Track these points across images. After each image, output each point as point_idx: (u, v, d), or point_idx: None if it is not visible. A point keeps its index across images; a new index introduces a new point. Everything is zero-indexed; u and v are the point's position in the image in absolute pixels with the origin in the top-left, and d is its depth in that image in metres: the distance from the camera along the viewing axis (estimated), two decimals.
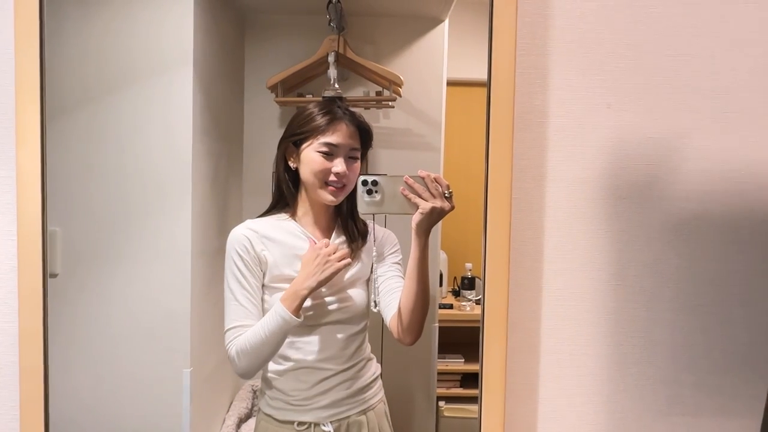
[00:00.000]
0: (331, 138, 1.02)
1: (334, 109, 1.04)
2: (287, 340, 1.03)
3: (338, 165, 1.01)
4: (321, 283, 0.99)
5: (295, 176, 1.06)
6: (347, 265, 1.01)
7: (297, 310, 0.99)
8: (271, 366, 1.05)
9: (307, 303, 1.01)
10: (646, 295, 0.82)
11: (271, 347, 1.01)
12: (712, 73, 0.81)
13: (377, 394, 1.09)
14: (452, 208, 0.93)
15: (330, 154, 1.02)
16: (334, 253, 1.00)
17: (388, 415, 1.11)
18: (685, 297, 0.83)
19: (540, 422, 0.83)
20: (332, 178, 1.02)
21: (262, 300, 1.03)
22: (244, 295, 1.01)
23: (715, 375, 0.83)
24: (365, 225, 1.08)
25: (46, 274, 0.79)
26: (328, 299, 1.03)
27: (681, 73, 0.81)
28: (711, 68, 0.81)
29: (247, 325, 1.00)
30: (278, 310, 0.98)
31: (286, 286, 1.01)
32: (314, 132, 1.02)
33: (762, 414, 0.64)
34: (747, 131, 0.82)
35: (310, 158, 1.02)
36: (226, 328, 1.01)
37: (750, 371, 0.83)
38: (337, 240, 1.06)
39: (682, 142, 0.81)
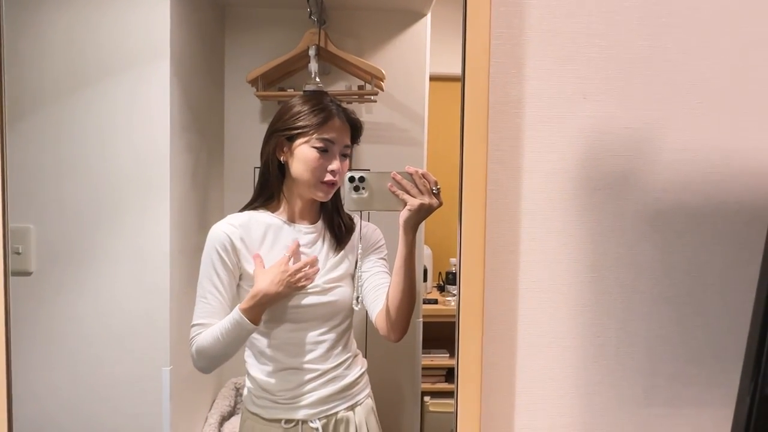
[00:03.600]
0: (328, 134, 1.00)
1: (329, 105, 1.02)
2: (272, 342, 1.02)
3: (335, 162, 1.00)
4: (281, 296, 0.99)
5: (282, 170, 1.04)
6: (309, 283, 1.01)
7: (256, 318, 0.98)
8: (257, 366, 1.04)
9: (294, 302, 1.00)
10: (622, 287, 0.82)
11: (227, 351, 1.00)
12: (687, 64, 0.81)
13: (364, 390, 1.08)
14: (440, 204, 0.92)
15: (326, 150, 1.01)
16: (303, 268, 0.99)
17: (375, 410, 1.10)
18: (661, 288, 0.83)
19: (517, 415, 0.82)
20: (328, 176, 1.01)
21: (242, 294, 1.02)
22: (213, 294, 1.00)
23: (692, 365, 0.84)
24: (351, 219, 1.07)
25: (7, 273, 0.77)
26: (312, 298, 1.02)
27: (657, 64, 0.81)
28: (687, 58, 0.81)
29: (209, 324, 1.00)
30: (236, 317, 0.97)
31: None
32: (310, 128, 1.00)
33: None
34: (722, 121, 0.82)
35: (304, 154, 1.00)
36: (191, 324, 1.01)
37: (726, 361, 0.83)
38: (316, 234, 1.05)
39: (658, 132, 0.81)
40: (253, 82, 1.14)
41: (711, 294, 0.83)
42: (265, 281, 0.98)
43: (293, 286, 0.99)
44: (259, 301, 0.97)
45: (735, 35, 0.81)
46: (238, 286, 1.02)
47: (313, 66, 1.13)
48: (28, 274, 1.01)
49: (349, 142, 1.03)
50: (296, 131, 1.00)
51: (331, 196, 1.03)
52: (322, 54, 1.14)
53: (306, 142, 1.00)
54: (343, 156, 1.02)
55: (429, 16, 1.17)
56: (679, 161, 0.82)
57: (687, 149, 0.82)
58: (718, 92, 0.81)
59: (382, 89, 1.16)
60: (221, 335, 0.98)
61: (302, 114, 1.01)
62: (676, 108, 0.81)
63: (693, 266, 0.83)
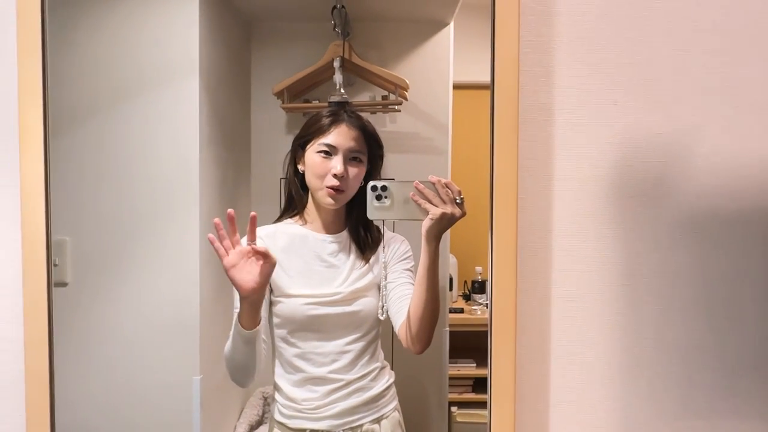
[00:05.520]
0: (329, 139, 1.02)
1: (338, 111, 1.04)
2: (297, 351, 1.03)
3: (336, 165, 1.01)
4: (254, 292, 0.92)
5: (303, 180, 1.06)
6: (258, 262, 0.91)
7: (247, 323, 0.94)
8: (283, 375, 1.05)
9: (318, 311, 1.01)
10: (657, 295, 0.80)
11: (235, 355, 0.98)
12: (720, 67, 0.79)
13: (391, 402, 1.08)
14: (463, 214, 0.92)
15: (329, 154, 1.02)
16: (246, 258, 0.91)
17: (402, 424, 1.09)
18: (697, 296, 0.81)
19: (551, 427, 0.81)
20: (330, 180, 1.01)
21: (275, 302, 1.03)
22: None
23: (730, 376, 0.81)
24: (378, 231, 1.07)
25: (50, 282, 0.80)
26: (336, 308, 1.02)
27: (689, 68, 0.79)
28: (719, 62, 0.79)
29: None
30: (235, 324, 0.96)
31: (298, 292, 1.01)
32: (316, 133, 1.03)
33: None
34: (758, 125, 0.80)
35: (311, 159, 1.03)
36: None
37: (765, 372, 0.81)
38: (339, 243, 1.06)
39: (692, 138, 0.80)
40: (279, 95, 1.16)
41: (749, 302, 0.81)
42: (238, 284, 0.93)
43: (254, 278, 0.92)
44: (241, 306, 0.94)
45: None
46: (270, 293, 1.03)
47: (338, 77, 1.14)
48: (64, 285, 1.04)
49: (359, 149, 1.03)
50: (306, 138, 1.04)
51: (340, 203, 1.03)
52: (346, 65, 1.15)
53: (311, 147, 1.03)
54: (353, 161, 1.02)
55: (452, 25, 1.17)
56: (713, 167, 0.80)
57: (722, 154, 0.80)
58: (753, 96, 0.79)
59: (406, 99, 1.16)
60: (231, 340, 0.98)
61: (312, 122, 1.04)
62: (710, 113, 0.79)
63: (730, 274, 0.80)
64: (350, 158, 1.02)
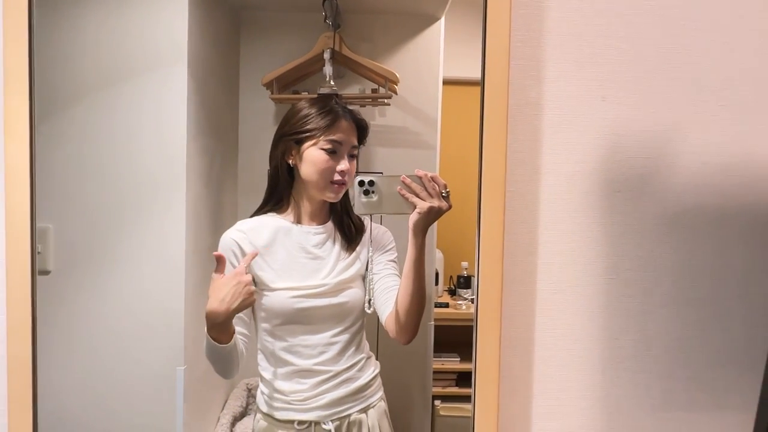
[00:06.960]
0: (336, 136, 1.01)
1: (334, 106, 1.03)
2: (284, 344, 1.03)
3: (343, 163, 1.01)
4: (237, 310, 0.95)
5: (291, 173, 1.05)
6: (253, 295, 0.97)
7: (221, 336, 0.95)
8: (269, 369, 1.05)
9: (305, 304, 1.01)
10: (641, 289, 0.82)
11: (215, 364, 0.99)
12: (709, 65, 0.81)
13: (377, 392, 1.09)
14: (450, 207, 0.93)
15: (334, 151, 1.01)
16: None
17: (388, 413, 1.10)
18: (680, 291, 0.82)
19: (534, 418, 0.82)
20: (336, 176, 1.02)
21: (260, 295, 1.02)
22: None
23: (710, 369, 0.83)
24: (361, 221, 1.08)
25: (35, 269, 0.79)
26: (323, 300, 1.02)
27: (677, 66, 0.80)
28: (708, 60, 0.81)
29: None
30: (208, 336, 0.96)
31: (283, 285, 1.01)
32: (318, 130, 1.01)
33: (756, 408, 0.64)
34: (744, 123, 0.82)
35: (313, 156, 1.02)
36: None
37: (745, 366, 0.83)
38: (326, 235, 1.06)
39: (679, 134, 0.81)
40: (268, 85, 1.15)
41: (731, 297, 0.83)
42: (216, 300, 0.94)
43: (249, 299, 0.96)
44: (213, 321, 0.95)
45: (759, 37, 0.81)
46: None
47: (328, 69, 1.13)
48: (46, 273, 1.03)
49: (356, 143, 1.04)
50: (304, 134, 1.02)
51: (341, 196, 1.04)
52: (336, 57, 1.14)
53: (314, 144, 1.01)
54: (351, 156, 1.03)
55: (443, 20, 1.17)
56: (700, 163, 0.81)
57: (708, 152, 0.81)
58: (740, 94, 0.81)
59: (395, 92, 1.16)
60: (206, 351, 0.98)
61: (310, 117, 1.02)
62: (697, 110, 0.81)
63: (713, 269, 0.82)
64: (350, 154, 1.03)
